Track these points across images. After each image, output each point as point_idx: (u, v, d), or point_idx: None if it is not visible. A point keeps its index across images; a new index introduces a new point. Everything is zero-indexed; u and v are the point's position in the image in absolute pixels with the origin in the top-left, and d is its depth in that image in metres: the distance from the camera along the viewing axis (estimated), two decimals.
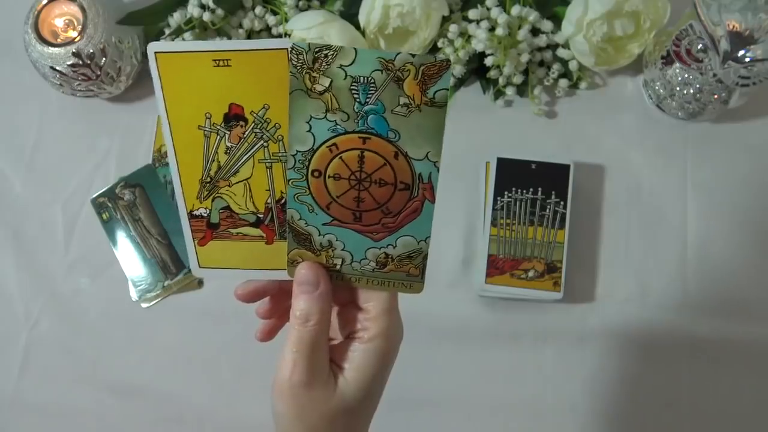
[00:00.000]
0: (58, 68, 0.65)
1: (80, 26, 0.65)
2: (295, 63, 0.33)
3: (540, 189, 0.63)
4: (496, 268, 0.62)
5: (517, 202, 0.63)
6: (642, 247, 0.64)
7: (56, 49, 0.64)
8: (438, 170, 0.35)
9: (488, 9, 0.64)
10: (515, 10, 0.64)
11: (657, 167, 0.66)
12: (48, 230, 0.69)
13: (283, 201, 0.38)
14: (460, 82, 0.69)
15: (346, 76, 0.33)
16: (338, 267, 0.38)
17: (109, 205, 0.69)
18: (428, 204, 0.36)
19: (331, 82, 0.34)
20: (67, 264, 0.68)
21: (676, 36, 0.62)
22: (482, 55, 0.66)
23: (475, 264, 0.64)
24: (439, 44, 0.66)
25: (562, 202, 0.63)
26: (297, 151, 0.35)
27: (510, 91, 0.67)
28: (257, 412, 0.64)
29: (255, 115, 0.36)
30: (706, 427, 0.61)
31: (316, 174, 0.36)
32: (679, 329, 0.62)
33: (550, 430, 0.62)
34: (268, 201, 0.38)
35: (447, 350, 0.64)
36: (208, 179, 0.38)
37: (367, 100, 0.34)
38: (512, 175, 0.63)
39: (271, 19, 0.68)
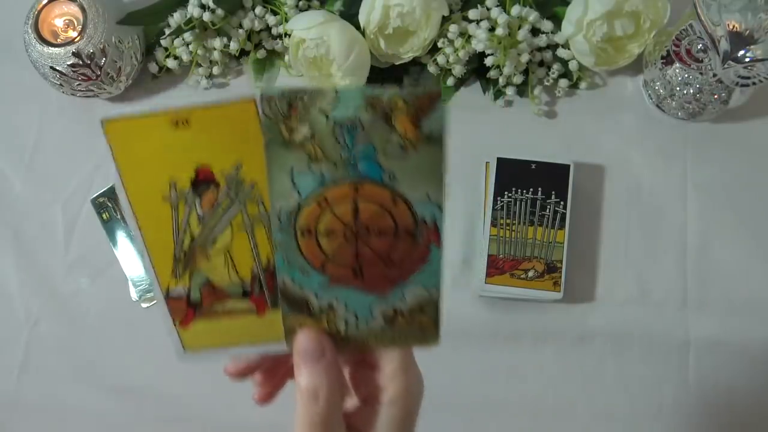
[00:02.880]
0: (58, 68, 0.65)
1: (80, 26, 0.65)
2: (266, 112, 0.30)
3: (540, 189, 0.63)
4: (496, 268, 0.62)
5: (517, 202, 0.63)
6: (642, 247, 0.64)
7: (56, 49, 0.64)
8: (442, 211, 0.32)
9: (488, 9, 0.64)
10: (515, 10, 0.64)
11: (657, 167, 0.66)
12: (48, 230, 0.69)
13: (271, 267, 0.34)
14: (460, 82, 0.69)
15: (328, 119, 0.30)
16: (342, 331, 0.34)
17: (109, 205, 0.69)
18: (435, 248, 0.33)
19: (312, 128, 0.30)
20: (67, 264, 0.68)
21: (676, 36, 0.62)
22: (482, 55, 0.66)
23: (475, 264, 0.64)
24: (439, 44, 0.66)
25: (562, 202, 0.63)
26: (281, 209, 0.32)
27: (510, 91, 0.67)
28: (257, 412, 0.64)
29: (227, 176, 0.32)
30: (706, 426, 0.61)
31: (305, 233, 0.32)
32: (679, 329, 0.62)
33: (550, 430, 0.62)
34: (254, 269, 0.34)
35: (447, 350, 0.63)
36: (182, 254, 0.34)
37: (355, 143, 0.30)
38: (512, 175, 0.63)
39: (271, 19, 0.68)
